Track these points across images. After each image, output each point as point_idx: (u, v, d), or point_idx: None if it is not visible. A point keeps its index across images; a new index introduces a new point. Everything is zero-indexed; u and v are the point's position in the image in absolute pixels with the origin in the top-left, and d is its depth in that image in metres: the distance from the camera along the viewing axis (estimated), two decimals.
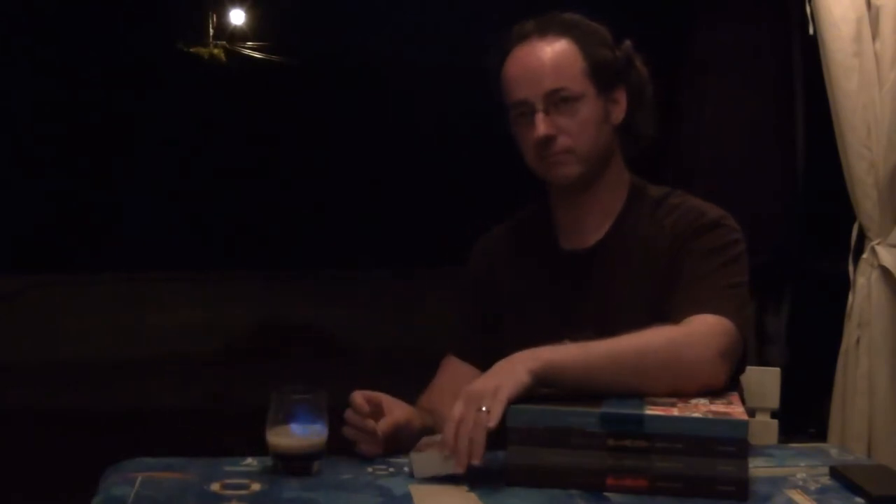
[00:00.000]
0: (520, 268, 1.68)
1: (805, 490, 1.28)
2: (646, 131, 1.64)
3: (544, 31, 1.59)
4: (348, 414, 1.45)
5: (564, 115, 1.56)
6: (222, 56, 6.81)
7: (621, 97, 1.62)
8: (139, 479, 1.30)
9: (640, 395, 1.33)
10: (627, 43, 1.64)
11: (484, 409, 1.27)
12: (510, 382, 1.29)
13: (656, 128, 1.65)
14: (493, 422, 1.26)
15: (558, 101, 1.56)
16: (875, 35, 2.41)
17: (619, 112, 1.62)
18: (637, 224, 1.62)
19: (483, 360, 1.60)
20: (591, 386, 1.34)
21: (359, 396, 1.45)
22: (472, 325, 1.71)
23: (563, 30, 1.59)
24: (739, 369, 1.54)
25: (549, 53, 1.57)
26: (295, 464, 1.33)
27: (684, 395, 1.35)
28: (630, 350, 1.38)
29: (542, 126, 1.55)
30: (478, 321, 1.70)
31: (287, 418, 1.33)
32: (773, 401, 1.83)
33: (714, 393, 1.36)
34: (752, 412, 1.78)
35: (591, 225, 1.64)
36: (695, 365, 1.38)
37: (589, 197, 1.63)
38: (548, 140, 1.55)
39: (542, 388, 1.32)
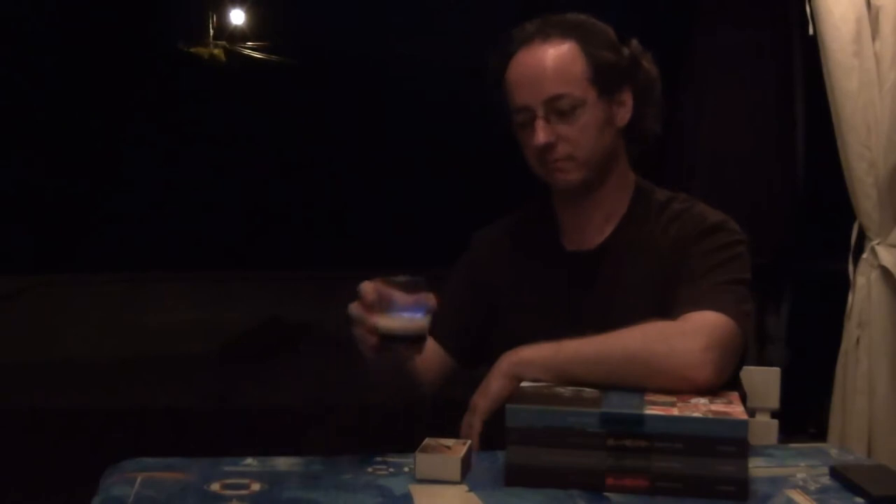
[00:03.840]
0: (522, 267, 1.68)
1: (805, 490, 1.28)
2: (652, 131, 1.64)
3: (547, 34, 1.58)
4: (351, 308, 1.38)
5: (565, 121, 1.55)
6: (222, 56, 6.80)
7: (627, 99, 1.61)
8: (139, 479, 1.30)
9: (625, 390, 1.35)
10: (635, 42, 1.63)
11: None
12: (483, 402, 1.46)
13: (661, 128, 1.65)
14: (471, 436, 1.44)
15: (559, 107, 1.55)
16: (875, 35, 2.41)
17: (624, 114, 1.61)
18: (641, 227, 1.62)
19: (455, 345, 1.62)
20: (567, 381, 1.40)
21: (367, 285, 1.38)
22: (457, 308, 1.67)
23: (566, 32, 1.58)
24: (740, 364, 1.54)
25: (551, 58, 1.56)
26: (404, 346, 1.37)
27: (668, 389, 1.36)
28: (599, 347, 1.42)
29: (541, 134, 1.55)
30: (465, 305, 1.68)
31: (393, 303, 1.35)
32: (773, 401, 1.83)
33: (714, 392, 1.36)
34: (752, 412, 1.78)
35: (594, 226, 1.64)
36: (669, 358, 1.39)
37: (592, 199, 1.63)
38: (548, 147, 1.55)
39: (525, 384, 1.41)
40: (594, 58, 1.57)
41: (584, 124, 1.56)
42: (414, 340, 1.38)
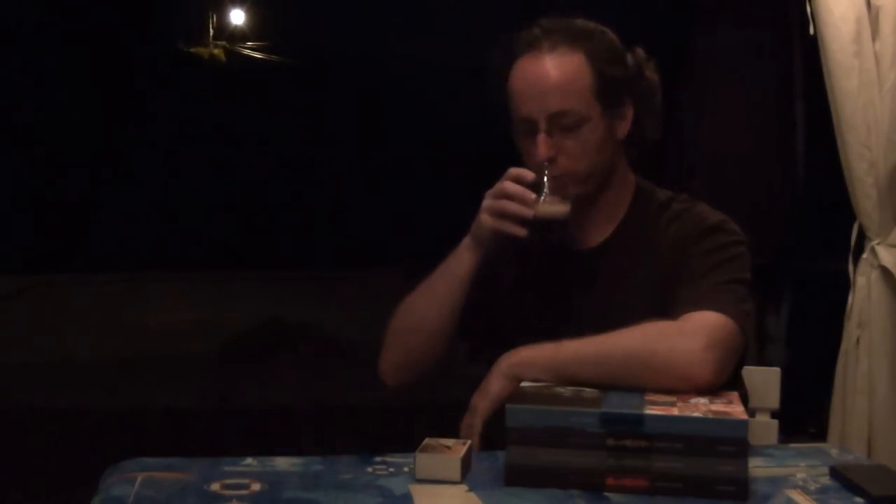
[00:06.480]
0: (523, 264, 1.67)
1: (805, 490, 1.28)
2: (652, 137, 1.64)
3: (554, 42, 1.55)
4: (509, 185, 1.51)
5: (568, 136, 1.54)
6: (222, 56, 6.79)
7: (628, 112, 1.60)
8: (139, 479, 1.30)
9: (625, 389, 1.35)
10: (639, 50, 1.62)
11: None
12: (483, 402, 1.46)
13: (659, 134, 1.65)
14: (472, 437, 1.44)
15: (563, 122, 1.54)
16: (875, 35, 2.41)
17: (624, 126, 1.60)
18: (641, 227, 1.62)
19: (470, 326, 1.63)
20: (567, 381, 1.40)
21: (522, 170, 1.53)
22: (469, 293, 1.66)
23: (574, 43, 1.56)
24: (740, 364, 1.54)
25: (558, 71, 1.54)
26: (557, 230, 1.49)
27: (668, 388, 1.36)
28: (599, 347, 1.43)
29: (543, 149, 1.54)
30: (475, 292, 1.66)
31: (540, 189, 1.48)
32: (773, 401, 1.83)
33: (714, 392, 1.36)
34: (752, 412, 1.78)
35: (595, 226, 1.64)
36: (669, 358, 1.39)
37: (593, 201, 1.62)
38: (549, 161, 1.55)
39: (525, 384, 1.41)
40: (601, 73, 1.56)
41: (588, 141, 1.55)
42: (565, 224, 1.50)
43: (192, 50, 6.77)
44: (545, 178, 1.51)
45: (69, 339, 6.21)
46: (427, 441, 1.36)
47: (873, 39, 2.41)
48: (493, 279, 1.63)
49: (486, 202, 1.53)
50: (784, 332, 3.72)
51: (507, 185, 1.51)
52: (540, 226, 1.49)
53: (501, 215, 1.51)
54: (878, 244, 2.51)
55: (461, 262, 1.58)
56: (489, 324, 1.65)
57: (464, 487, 1.28)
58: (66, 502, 2.23)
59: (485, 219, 1.53)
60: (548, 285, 1.64)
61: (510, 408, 1.28)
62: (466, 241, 1.58)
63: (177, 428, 4.37)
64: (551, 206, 1.50)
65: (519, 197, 1.49)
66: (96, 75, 7.18)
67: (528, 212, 1.48)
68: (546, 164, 1.52)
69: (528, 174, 1.51)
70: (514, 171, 1.52)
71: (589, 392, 1.36)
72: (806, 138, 3.68)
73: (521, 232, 1.49)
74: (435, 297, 1.60)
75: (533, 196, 1.49)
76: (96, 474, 1.35)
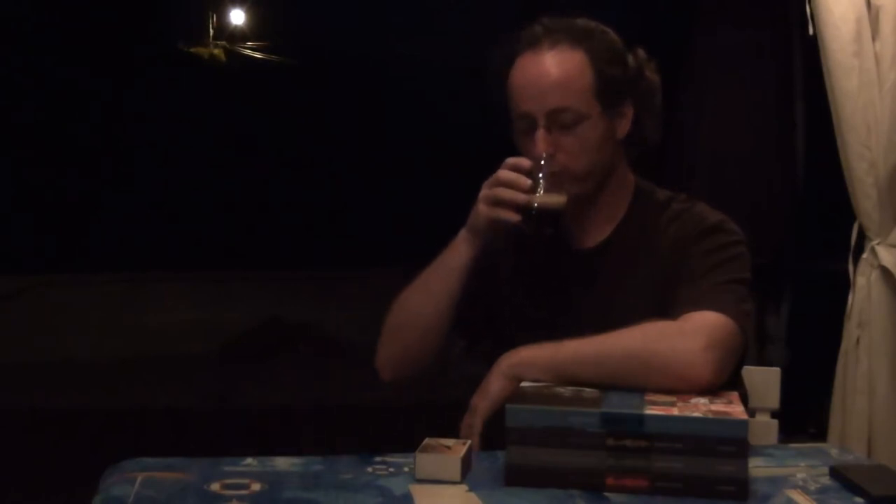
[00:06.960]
0: (520, 254, 1.67)
1: (805, 490, 1.28)
2: (652, 137, 1.64)
3: (555, 40, 1.56)
4: (504, 173, 1.52)
5: (567, 134, 1.54)
6: (222, 56, 6.80)
7: (628, 111, 1.60)
8: (139, 479, 1.30)
9: (625, 389, 1.35)
10: (640, 51, 1.62)
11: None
12: (483, 402, 1.46)
13: (659, 135, 1.65)
14: (472, 437, 1.44)
15: (562, 120, 1.54)
16: (875, 35, 2.41)
17: (624, 125, 1.60)
18: (641, 227, 1.62)
19: (466, 318, 1.63)
20: (567, 381, 1.40)
21: (514, 158, 1.54)
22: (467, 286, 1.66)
23: (576, 41, 1.56)
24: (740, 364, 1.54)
25: (558, 69, 1.55)
26: (551, 220, 1.50)
27: (668, 388, 1.36)
28: (599, 347, 1.43)
29: (541, 144, 1.54)
30: (473, 284, 1.65)
31: (537, 181, 1.49)
32: (773, 401, 1.83)
33: (714, 392, 1.36)
34: (752, 412, 1.78)
35: (595, 226, 1.64)
36: (669, 358, 1.39)
37: (593, 201, 1.62)
38: (547, 157, 1.55)
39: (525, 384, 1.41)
40: (601, 72, 1.56)
41: (586, 139, 1.55)
42: (561, 215, 1.51)
43: (192, 50, 6.77)
44: (542, 171, 1.51)
45: (69, 339, 6.21)
46: (427, 441, 1.36)
47: (873, 39, 2.42)
48: (490, 269, 1.63)
49: (483, 192, 1.55)
50: (784, 332, 3.71)
51: (503, 173, 1.52)
52: (536, 216, 1.49)
53: (496, 203, 1.52)
54: (878, 244, 2.51)
55: (457, 254, 1.58)
56: (486, 314, 1.65)
57: (464, 487, 1.28)
58: (66, 502, 2.23)
59: (481, 208, 1.54)
60: (544, 278, 1.64)
61: (510, 408, 1.28)
62: (462, 234, 1.59)
63: (177, 428, 4.37)
64: (548, 197, 1.50)
65: (513, 183, 1.50)
66: (96, 75, 7.17)
67: (522, 197, 1.49)
68: (544, 157, 1.52)
69: (525, 162, 1.52)
70: (511, 160, 1.54)
71: (589, 392, 1.36)
72: (806, 138, 3.67)
73: (514, 217, 1.50)
74: (430, 292, 1.61)
75: (528, 182, 1.50)
76: (96, 474, 1.35)
